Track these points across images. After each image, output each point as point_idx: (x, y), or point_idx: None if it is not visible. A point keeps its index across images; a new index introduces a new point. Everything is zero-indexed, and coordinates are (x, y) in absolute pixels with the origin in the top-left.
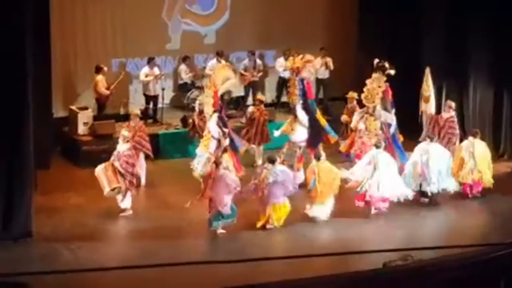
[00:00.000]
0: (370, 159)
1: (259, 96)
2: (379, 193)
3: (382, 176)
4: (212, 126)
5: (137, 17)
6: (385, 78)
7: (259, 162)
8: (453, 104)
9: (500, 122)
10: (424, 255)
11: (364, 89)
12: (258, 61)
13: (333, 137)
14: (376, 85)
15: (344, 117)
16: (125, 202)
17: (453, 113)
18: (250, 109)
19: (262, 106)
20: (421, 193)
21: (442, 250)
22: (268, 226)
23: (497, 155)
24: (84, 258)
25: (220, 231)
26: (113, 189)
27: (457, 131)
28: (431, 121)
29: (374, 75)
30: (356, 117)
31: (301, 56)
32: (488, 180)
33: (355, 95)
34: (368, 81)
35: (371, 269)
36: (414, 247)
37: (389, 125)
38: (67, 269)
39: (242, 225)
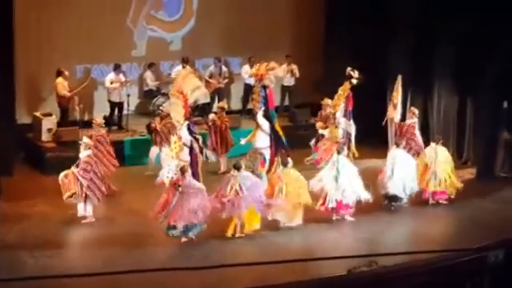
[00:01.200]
0: (331, 165)
1: (221, 103)
2: (343, 199)
3: (344, 181)
4: (183, 134)
5: (103, 24)
6: (349, 86)
7: (222, 169)
8: (416, 111)
9: (464, 129)
10: (389, 261)
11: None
12: (224, 68)
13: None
14: (342, 92)
15: (319, 124)
16: (87, 209)
17: (415, 119)
18: (211, 116)
19: (224, 113)
20: (389, 198)
21: (407, 256)
22: (238, 235)
23: (460, 162)
24: (49, 265)
25: (184, 239)
26: (70, 196)
27: (417, 137)
28: (396, 127)
29: (345, 83)
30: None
31: (265, 63)
32: (453, 185)
33: (329, 101)
34: (341, 88)
35: (336, 275)
36: (379, 253)
37: (349, 135)
38: (31, 277)
39: (209, 232)
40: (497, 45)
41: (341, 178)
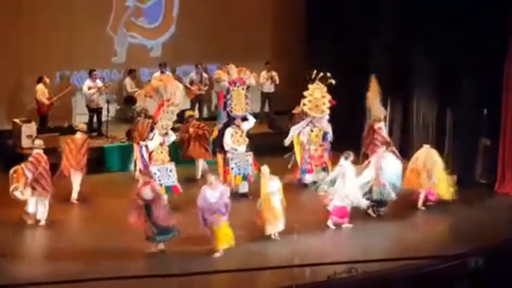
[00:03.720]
0: (339, 171)
1: (189, 112)
2: (342, 203)
3: (348, 187)
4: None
5: (83, 30)
6: (325, 88)
7: (198, 176)
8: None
9: (444, 136)
10: (370, 267)
11: (305, 101)
12: (204, 75)
13: None
14: (320, 95)
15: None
16: (39, 212)
17: (382, 123)
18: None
19: (194, 121)
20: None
21: (387, 262)
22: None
23: None
24: (27, 273)
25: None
26: (16, 189)
27: (378, 142)
28: (369, 129)
29: (314, 86)
30: (294, 131)
31: (233, 68)
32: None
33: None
34: (307, 93)
35: (316, 282)
36: (359, 260)
37: (327, 135)
38: (11, 283)
39: (189, 239)
40: (476, 55)
41: (345, 184)
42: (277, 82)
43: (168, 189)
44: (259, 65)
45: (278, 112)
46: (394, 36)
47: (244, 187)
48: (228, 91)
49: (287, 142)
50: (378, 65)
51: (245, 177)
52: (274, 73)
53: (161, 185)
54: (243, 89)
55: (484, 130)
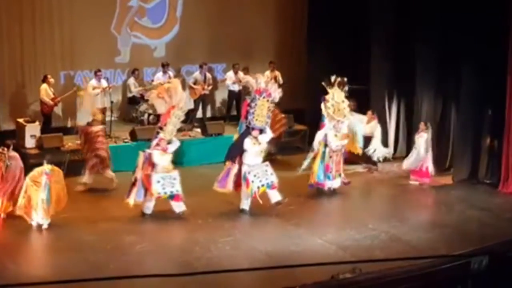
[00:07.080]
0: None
1: None
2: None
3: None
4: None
5: (86, 30)
6: (343, 93)
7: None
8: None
9: (448, 135)
10: (373, 267)
11: (328, 105)
12: (208, 75)
13: None
14: (340, 100)
15: None
16: None
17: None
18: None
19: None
20: None
21: (390, 263)
22: None
23: (443, 168)
24: (27, 273)
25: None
26: None
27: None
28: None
29: (333, 90)
30: (319, 136)
31: (260, 76)
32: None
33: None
34: (328, 97)
35: (319, 282)
36: (362, 260)
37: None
38: (12, 283)
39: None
40: (481, 54)
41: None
42: (281, 82)
43: (172, 197)
44: (263, 64)
45: (282, 112)
46: (395, 36)
47: (275, 196)
48: (253, 99)
49: (315, 147)
50: (379, 66)
51: (269, 186)
52: (277, 73)
53: (165, 193)
54: (268, 101)
55: (488, 130)
